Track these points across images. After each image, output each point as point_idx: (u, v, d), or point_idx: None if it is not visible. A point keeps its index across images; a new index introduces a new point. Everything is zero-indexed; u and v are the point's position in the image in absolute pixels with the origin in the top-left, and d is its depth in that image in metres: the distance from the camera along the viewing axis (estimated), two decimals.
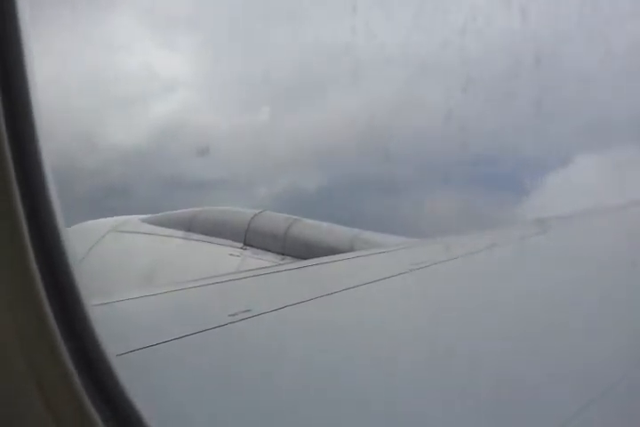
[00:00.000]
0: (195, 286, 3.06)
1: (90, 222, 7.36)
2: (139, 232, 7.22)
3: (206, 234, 6.85)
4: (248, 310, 2.30)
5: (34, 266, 0.80)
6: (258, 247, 6.65)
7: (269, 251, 6.58)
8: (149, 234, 7.11)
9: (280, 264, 6.12)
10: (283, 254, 6.51)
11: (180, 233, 6.96)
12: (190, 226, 7.00)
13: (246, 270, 4.84)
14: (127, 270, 6.16)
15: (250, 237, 6.71)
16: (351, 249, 5.88)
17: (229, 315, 2.25)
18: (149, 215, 7.56)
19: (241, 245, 6.70)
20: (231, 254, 6.60)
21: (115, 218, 7.61)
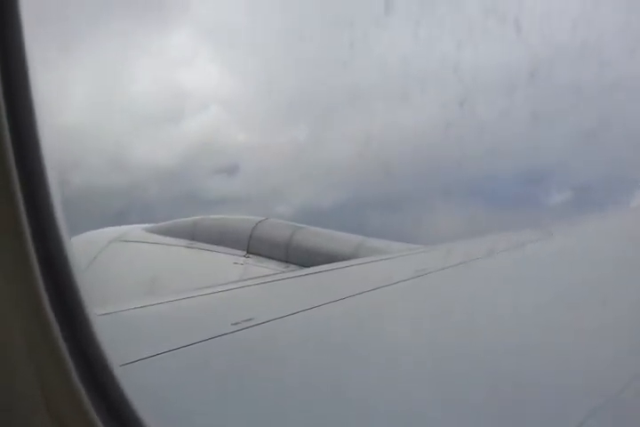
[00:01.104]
0: (198, 295, 3.06)
1: (93, 232, 7.37)
2: (142, 241, 7.23)
3: (209, 242, 6.85)
4: (251, 319, 2.30)
5: (38, 276, 0.81)
6: (261, 255, 6.64)
7: (273, 259, 6.57)
8: (153, 243, 7.12)
9: (283, 272, 6.11)
10: (286, 262, 6.50)
11: (184, 242, 6.97)
12: (193, 234, 7.00)
13: (249, 278, 4.84)
14: (131, 280, 6.17)
15: (253, 245, 6.71)
16: (355, 256, 5.86)
17: (232, 324, 2.24)
18: (152, 224, 7.57)
19: (244, 253, 6.70)
20: (235, 263, 6.59)
21: (118, 227, 7.63)
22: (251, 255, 6.68)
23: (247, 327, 2.22)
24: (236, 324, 2.24)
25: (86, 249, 6.75)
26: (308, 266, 5.21)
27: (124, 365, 1.68)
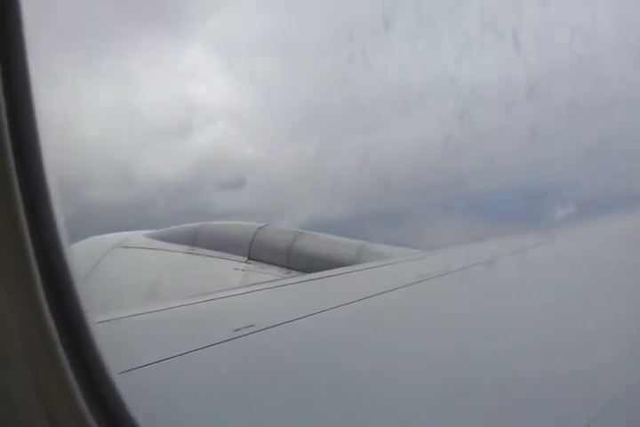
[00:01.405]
0: (199, 301, 3.05)
1: (95, 238, 7.37)
2: (143, 247, 7.22)
3: (211, 248, 6.84)
4: (252, 325, 2.29)
5: (38, 284, 0.80)
6: (262, 261, 6.63)
7: (274, 265, 6.56)
8: (154, 249, 7.12)
9: (285, 278, 6.10)
10: (288, 268, 6.49)
11: (185, 248, 6.96)
12: (195, 240, 7.00)
13: (251, 284, 4.83)
14: (132, 286, 6.16)
15: (254, 251, 6.70)
16: (357, 261, 5.85)
17: (234, 330, 2.23)
18: (154, 230, 7.58)
19: (245, 259, 6.69)
20: (236, 269, 6.58)
21: (119, 233, 7.63)
22: (252, 261, 6.67)
23: (249, 334, 2.21)
24: (237, 330, 2.23)
25: (88, 255, 6.75)
26: (310, 272, 5.20)
27: (125, 371, 1.67)
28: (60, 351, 0.80)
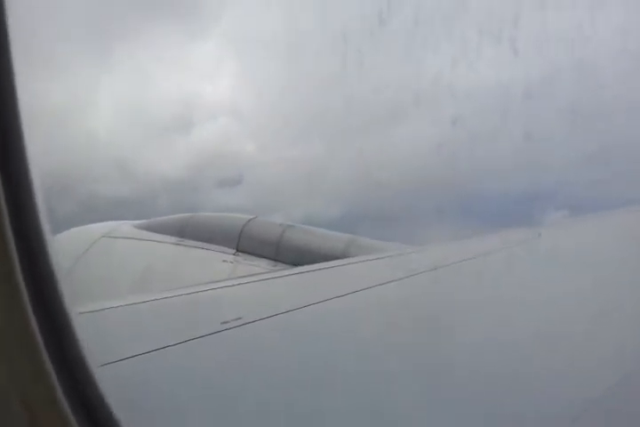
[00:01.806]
0: (187, 293, 3.03)
1: (80, 228, 7.29)
2: (131, 238, 7.16)
3: (199, 240, 6.80)
4: (240, 318, 2.27)
5: (18, 274, 0.78)
6: (251, 253, 6.61)
7: (262, 257, 6.54)
8: (141, 240, 7.06)
9: (273, 271, 6.09)
10: (276, 261, 6.47)
11: (173, 239, 6.91)
12: (183, 231, 6.95)
13: (239, 277, 4.81)
14: (119, 276, 6.11)
15: (243, 243, 6.67)
16: (345, 255, 5.86)
17: (222, 322, 2.22)
18: (141, 221, 7.51)
19: (234, 251, 6.66)
20: (224, 260, 6.55)
21: (105, 223, 7.55)
22: (240, 253, 6.64)
23: (236, 326, 2.20)
24: (225, 322, 2.22)
25: (73, 245, 6.68)
26: (298, 265, 5.19)
27: (109, 363, 1.65)
28: (41, 345, 0.78)
